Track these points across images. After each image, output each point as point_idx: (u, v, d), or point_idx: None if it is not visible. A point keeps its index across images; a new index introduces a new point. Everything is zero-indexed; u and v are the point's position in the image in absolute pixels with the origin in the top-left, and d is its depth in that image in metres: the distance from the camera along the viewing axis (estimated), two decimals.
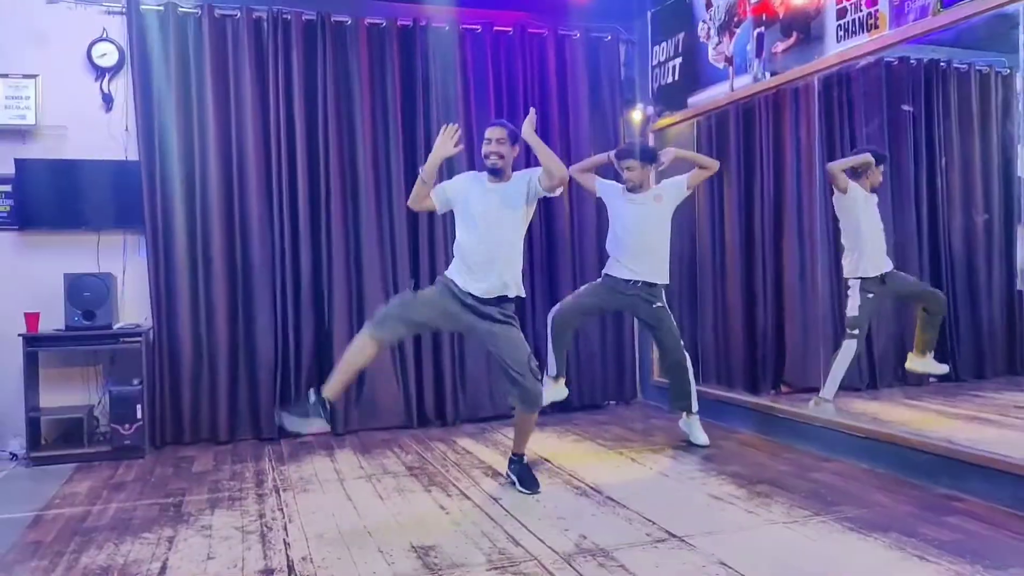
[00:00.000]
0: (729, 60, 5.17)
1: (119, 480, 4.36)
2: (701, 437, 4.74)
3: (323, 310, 5.40)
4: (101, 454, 4.80)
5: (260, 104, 5.29)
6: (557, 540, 3.17)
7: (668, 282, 4.77)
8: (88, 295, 4.86)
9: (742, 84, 5.08)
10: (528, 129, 3.79)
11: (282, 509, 3.73)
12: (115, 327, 4.92)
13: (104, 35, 5.20)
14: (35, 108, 5.06)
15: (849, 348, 4.69)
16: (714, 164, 4.84)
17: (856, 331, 4.68)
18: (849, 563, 2.87)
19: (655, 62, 6.02)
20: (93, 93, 5.20)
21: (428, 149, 5.44)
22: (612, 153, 4.82)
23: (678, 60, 5.71)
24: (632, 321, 6.11)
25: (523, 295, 3.91)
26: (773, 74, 4.79)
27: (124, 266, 5.22)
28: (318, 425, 3.72)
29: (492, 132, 3.87)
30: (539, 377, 3.85)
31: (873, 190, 4.80)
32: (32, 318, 4.83)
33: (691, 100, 5.60)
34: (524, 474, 3.95)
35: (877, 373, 5.40)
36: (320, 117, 5.38)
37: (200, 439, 5.15)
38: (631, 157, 4.69)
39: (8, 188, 5.05)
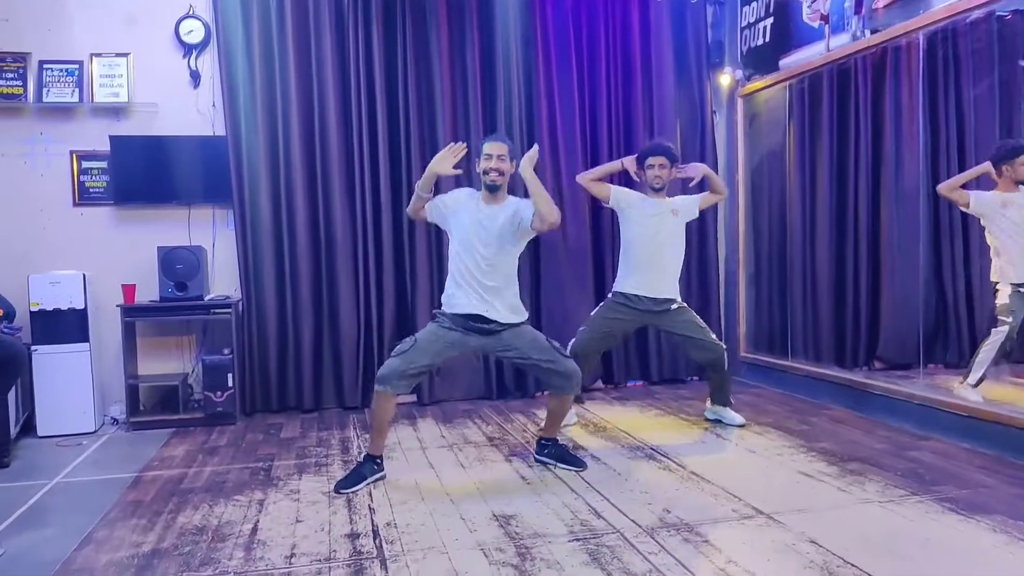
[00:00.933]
0: (825, 18, 4.94)
1: (212, 445, 4.49)
2: (737, 418, 4.58)
3: (404, 281, 5.43)
4: (195, 420, 4.95)
5: (341, 77, 5.32)
6: (640, 513, 3.12)
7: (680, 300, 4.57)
8: (180, 267, 4.99)
9: (839, 44, 4.86)
10: (527, 167, 3.57)
11: None
12: (206, 298, 5.04)
13: (191, 12, 5.29)
14: (127, 86, 5.20)
15: (999, 335, 4.37)
16: (725, 192, 4.73)
17: (1009, 319, 4.31)
18: (950, 545, 2.74)
19: (744, 23, 5.81)
20: (181, 70, 5.31)
21: (507, 119, 5.45)
22: (633, 158, 4.62)
23: (769, 20, 5.50)
24: (719, 294, 5.97)
25: (524, 318, 3.77)
26: (874, 32, 4.57)
27: (214, 239, 5.34)
28: (377, 478, 3.67)
29: (492, 147, 3.66)
30: (565, 354, 3.75)
31: (1020, 183, 4.36)
32: (129, 289, 4.99)
33: (783, 62, 5.39)
34: (564, 454, 3.87)
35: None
36: (400, 88, 5.37)
37: (287, 407, 5.26)
38: (662, 154, 4.47)
39: (104, 164, 5.20)
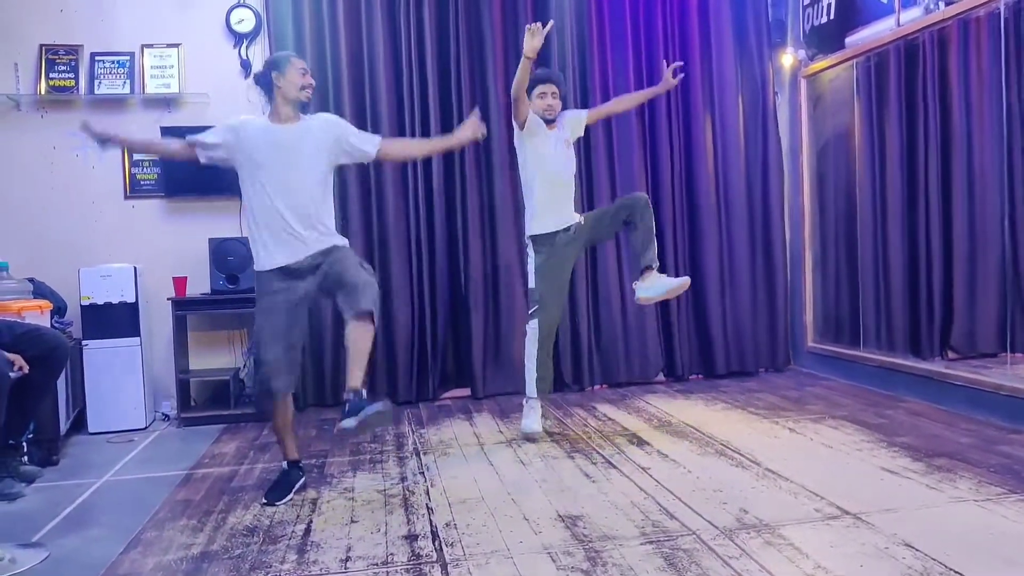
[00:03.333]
0: None
1: (264, 441, 4.40)
2: (671, 283, 4.12)
3: (458, 276, 5.32)
4: (246, 416, 4.88)
5: (393, 63, 5.22)
6: (716, 514, 2.93)
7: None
8: (232, 259, 4.93)
9: (910, 18, 4.60)
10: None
11: (423, 473, 3.65)
12: None
13: (241, 1, 5.22)
14: (178, 77, 5.17)
15: None
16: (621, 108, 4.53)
17: None
18: None
19: (807, 1, 5.56)
20: (232, 60, 5.25)
21: (562, 105, 5.27)
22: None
23: None
24: (785, 279, 5.73)
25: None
26: (948, 3, 4.30)
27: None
28: (302, 484, 3.44)
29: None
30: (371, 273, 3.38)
31: None
32: (180, 282, 4.94)
33: (849, 40, 5.14)
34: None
35: None
36: (452, 72, 5.25)
37: (339, 402, 5.15)
38: (553, 82, 4.18)
39: (155, 157, 5.16)
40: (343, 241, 3.50)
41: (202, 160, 3.45)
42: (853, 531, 2.71)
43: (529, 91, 4.11)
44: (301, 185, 3.35)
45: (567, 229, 4.14)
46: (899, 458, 3.52)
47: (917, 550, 2.52)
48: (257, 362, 3.54)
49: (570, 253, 4.21)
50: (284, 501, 3.32)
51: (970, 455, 3.51)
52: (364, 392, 3.16)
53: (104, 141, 3.44)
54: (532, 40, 3.83)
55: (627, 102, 4.61)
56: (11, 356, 2.82)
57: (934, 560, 2.44)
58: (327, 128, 3.49)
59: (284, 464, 3.53)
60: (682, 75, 4.49)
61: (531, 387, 4.22)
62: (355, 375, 3.14)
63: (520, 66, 3.90)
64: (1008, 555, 2.48)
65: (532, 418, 4.21)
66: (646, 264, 4.06)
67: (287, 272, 3.35)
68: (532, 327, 4.18)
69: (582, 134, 4.41)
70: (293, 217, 3.32)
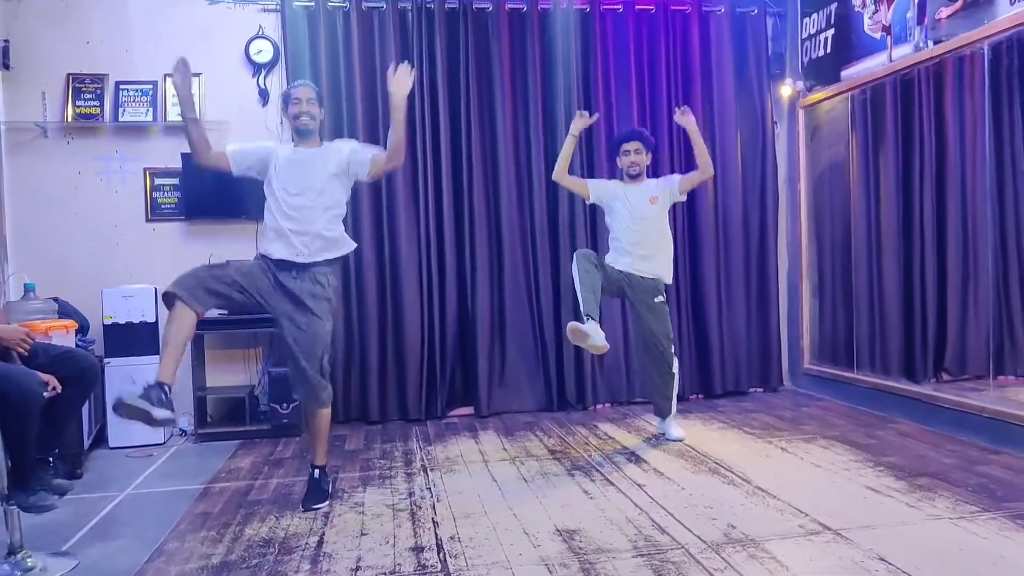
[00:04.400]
0: (887, 29, 4.89)
1: (278, 456, 4.59)
2: (676, 432, 4.59)
3: (466, 296, 5.50)
4: (261, 432, 5.06)
5: None
6: (705, 529, 3.11)
7: (670, 281, 4.56)
8: None
9: (901, 55, 4.80)
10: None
11: (430, 488, 3.83)
12: None
13: (260, 32, 5.44)
14: (199, 104, 5.33)
15: None
16: (710, 170, 4.50)
17: None
18: (1023, 564, 2.68)
19: (805, 35, 5.77)
20: (250, 88, 5.47)
21: (566, 133, 5.48)
22: (581, 115, 4.45)
23: (830, 32, 5.45)
24: (778, 305, 5.92)
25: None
26: (937, 42, 4.50)
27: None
28: (165, 416, 3.22)
29: (301, 92, 3.69)
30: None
31: None
32: None
33: (844, 73, 5.34)
34: (311, 486, 3.72)
35: None
36: (463, 105, 5.45)
37: (352, 419, 5.35)
38: (637, 139, 4.44)
39: (176, 181, 5.38)
40: (350, 245, 3.78)
41: (234, 172, 3.72)
42: (832, 546, 2.88)
43: (616, 150, 4.50)
44: (311, 203, 3.61)
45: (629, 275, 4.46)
46: (884, 477, 3.69)
47: (891, 564, 2.69)
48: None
49: (614, 278, 4.44)
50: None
51: (951, 475, 3.67)
52: (324, 472, 3.72)
53: (184, 98, 3.69)
54: (579, 122, 4.34)
55: (703, 158, 4.52)
56: (45, 377, 3.01)
57: (905, 573, 2.61)
58: (340, 150, 3.75)
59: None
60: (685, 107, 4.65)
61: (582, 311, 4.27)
62: (320, 453, 3.73)
63: (566, 143, 4.38)
64: (974, 569, 2.65)
65: (592, 326, 4.12)
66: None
67: (279, 264, 3.62)
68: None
69: (680, 199, 4.64)
70: (296, 229, 3.59)
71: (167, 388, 3.25)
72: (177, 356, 3.36)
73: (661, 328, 4.43)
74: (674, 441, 4.53)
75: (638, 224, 4.43)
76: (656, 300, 4.44)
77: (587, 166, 5.56)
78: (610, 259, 4.49)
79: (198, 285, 3.39)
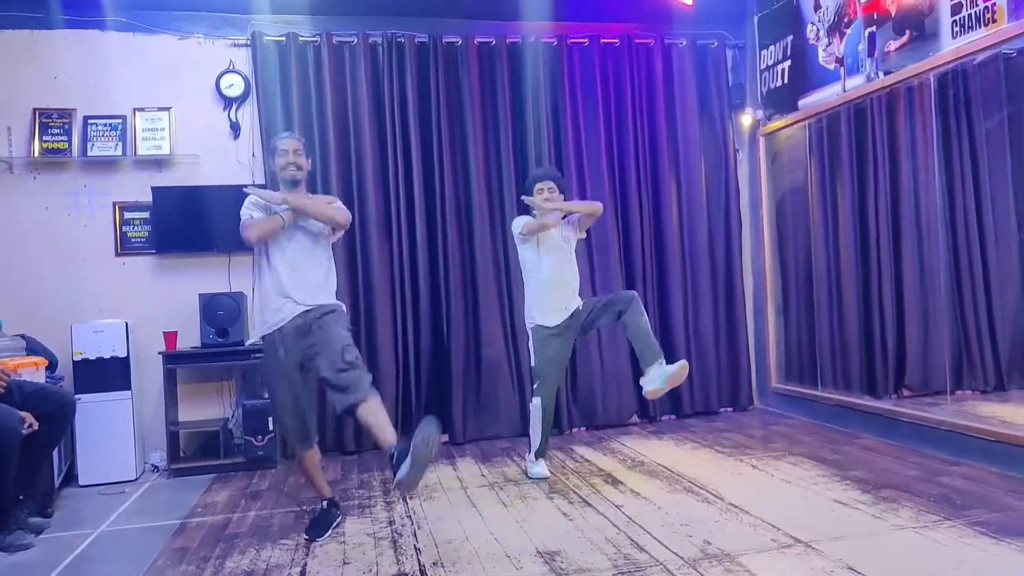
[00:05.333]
0: (840, 61, 5.09)
1: (254, 489, 4.59)
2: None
3: (441, 326, 5.55)
4: (236, 465, 5.05)
5: (377, 126, 5.51)
6: (681, 546, 3.19)
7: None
8: (221, 314, 5.13)
9: (854, 85, 4.99)
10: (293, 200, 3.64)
11: (410, 516, 3.87)
12: (247, 343, 5.16)
13: (231, 67, 5.50)
14: (169, 139, 5.39)
15: None
16: (594, 209, 4.45)
17: None
18: (982, 568, 2.80)
19: (763, 66, 5.97)
20: (222, 122, 5.50)
21: (538, 164, 5.59)
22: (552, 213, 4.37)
23: (787, 63, 5.65)
24: (746, 326, 6.06)
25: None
26: (886, 73, 4.70)
27: (253, 285, 5.44)
28: (340, 521, 3.77)
29: (287, 144, 3.71)
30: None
31: None
32: (171, 336, 5.13)
33: (801, 103, 5.53)
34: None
35: (1004, 375, 5.22)
36: (434, 137, 5.54)
37: (327, 449, 5.33)
38: (551, 179, 4.40)
39: (146, 215, 5.37)
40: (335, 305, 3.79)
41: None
42: (804, 558, 2.98)
43: (530, 189, 4.45)
44: (303, 256, 3.68)
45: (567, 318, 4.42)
46: (850, 490, 3.81)
47: (858, 572, 2.80)
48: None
49: (568, 335, 4.47)
50: (325, 537, 3.59)
51: (914, 486, 3.81)
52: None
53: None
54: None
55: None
56: (22, 413, 3.02)
57: None
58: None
59: (323, 503, 3.77)
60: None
61: (534, 452, 4.51)
62: (387, 435, 3.40)
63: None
64: (935, 573, 2.78)
65: (540, 467, 4.49)
66: (646, 366, 4.26)
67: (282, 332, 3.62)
68: (535, 404, 4.45)
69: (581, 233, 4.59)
70: (292, 284, 3.62)
71: (335, 501, 3.85)
72: (322, 476, 3.89)
73: (595, 302, 4.48)
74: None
75: (556, 258, 4.41)
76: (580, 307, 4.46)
77: None
78: (540, 317, 4.42)
79: (304, 431, 3.71)
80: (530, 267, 4.48)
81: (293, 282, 3.63)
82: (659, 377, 4.17)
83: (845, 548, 3.05)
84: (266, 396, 5.10)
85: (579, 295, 4.50)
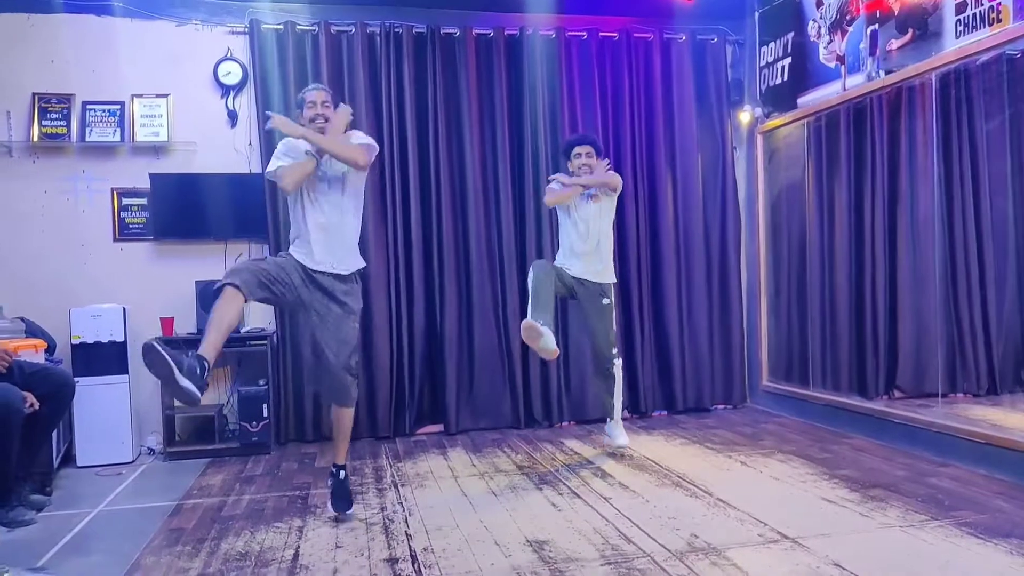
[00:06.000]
0: (841, 59, 5.11)
1: (249, 474, 4.63)
2: (620, 438, 4.71)
3: (435, 315, 5.58)
4: (231, 450, 5.09)
5: (374, 115, 5.52)
6: (669, 538, 3.23)
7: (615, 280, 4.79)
8: None
9: (855, 83, 5.01)
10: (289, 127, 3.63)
11: (402, 503, 3.90)
12: (242, 331, 5.19)
13: (228, 54, 5.51)
14: (167, 125, 5.41)
15: None
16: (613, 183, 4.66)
17: None
18: (968, 568, 2.83)
19: (763, 63, 5.98)
20: (219, 110, 5.52)
21: (534, 156, 5.62)
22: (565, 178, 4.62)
23: (787, 60, 5.66)
24: (742, 322, 6.09)
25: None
26: (888, 72, 4.71)
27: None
28: (205, 378, 3.23)
29: (315, 95, 3.74)
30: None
31: None
32: (167, 322, 5.16)
33: (801, 100, 5.54)
34: (338, 489, 3.76)
35: (997, 378, 5.25)
36: (431, 128, 5.56)
37: (321, 437, 5.37)
38: (588, 143, 4.66)
39: (143, 201, 5.40)
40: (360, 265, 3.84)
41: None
42: (790, 553, 3.01)
43: (567, 152, 4.69)
44: (331, 212, 3.69)
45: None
46: (839, 489, 3.84)
47: (845, 569, 2.83)
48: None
49: (568, 282, 4.63)
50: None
51: (902, 486, 3.84)
52: (345, 471, 3.71)
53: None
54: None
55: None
56: (24, 393, 3.05)
57: None
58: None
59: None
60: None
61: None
62: (340, 452, 3.61)
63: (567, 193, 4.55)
64: (922, 573, 2.80)
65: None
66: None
67: (307, 272, 3.66)
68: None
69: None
70: (321, 250, 3.66)
71: (207, 364, 3.21)
72: (221, 338, 3.31)
73: (603, 328, 4.63)
74: (618, 448, 4.68)
75: (584, 225, 4.60)
76: (604, 302, 4.63)
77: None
78: (562, 262, 4.66)
79: (252, 277, 3.43)
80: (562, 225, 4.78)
81: (322, 247, 3.67)
82: (620, 434, 4.69)
83: (832, 545, 3.08)
84: (262, 383, 5.15)
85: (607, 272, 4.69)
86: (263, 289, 3.48)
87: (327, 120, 3.69)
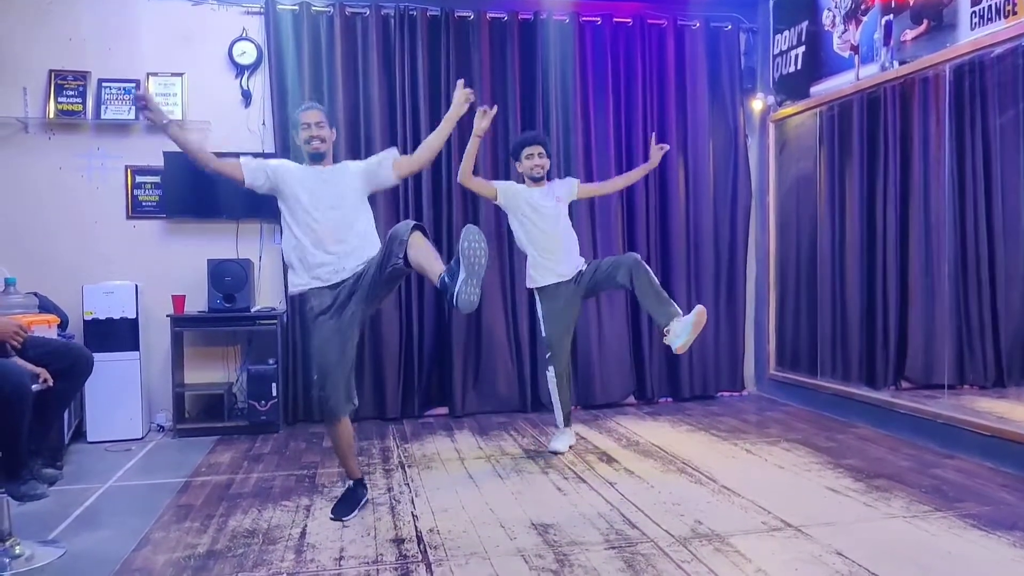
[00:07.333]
0: (855, 49, 5.08)
1: (257, 452, 4.67)
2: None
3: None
4: (239, 428, 5.15)
5: (387, 98, 5.53)
6: (673, 524, 3.25)
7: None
8: (229, 279, 5.19)
9: (868, 73, 4.99)
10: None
11: (408, 484, 3.94)
12: (253, 310, 5.23)
13: (243, 34, 5.52)
14: (182, 104, 5.43)
15: None
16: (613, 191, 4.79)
17: None
18: (971, 559, 2.85)
19: (776, 51, 5.96)
20: (233, 89, 5.54)
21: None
22: (482, 114, 4.26)
23: (801, 49, 5.64)
24: (745, 312, 6.10)
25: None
26: (902, 63, 4.69)
27: (260, 252, 5.54)
28: (367, 501, 3.63)
29: (309, 116, 3.63)
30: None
31: None
32: (179, 300, 5.20)
33: (814, 89, 5.52)
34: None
35: (1005, 371, 5.24)
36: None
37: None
38: (539, 143, 4.46)
39: (157, 179, 5.43)
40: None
41: (246, 182, 3.58)
42: (793, 541, 3.04)
43: (517, 154, 4.48)
44: (343, 216, 3.58)
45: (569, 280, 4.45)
46: (843, 478, 3.86)
47: (847, 558, 2.86)
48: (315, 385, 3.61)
49: (574, 300, 4.49)
50: (351, 517, 3.45)
51: (907, 477, 3.86)
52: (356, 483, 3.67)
53: (160, 123, 3.49)
54: (482, 121, 4.20)
55: (617, 184, 4.90)
56: (37, 369, 3.08)
57: (860, 566, 2.77)
58: (356, 171, 3.73)
59: (349, 483, 3.65)
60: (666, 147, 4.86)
61: (560, 421, 4.58)
62: (435, 267, 3.13)
63: (470, 143, 4.26)
64: (925, 563, 2.82)
65: (562, 441, 4.55)
66: (663, 326, 4.13)
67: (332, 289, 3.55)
68: (550, 375, 4.50)
69: (575, 197, 4.64)
70: (334, 245, 3.54)
71: (365, 484, 3.71)
72: (355, 455, 3.73)
73: (598, 264, 4.46)
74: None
75: (547, 224, 4.42)
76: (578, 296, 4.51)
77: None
78: (541, 278, 4.47)
79: (344, 388, 3.53)
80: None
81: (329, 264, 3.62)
82: (683, 332, 4.02)
83: (835, 533, 3.10)
84: (271, 362, 5.19)
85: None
86: (353, 379, 3.63)
87: (323, 140, 3.62)
